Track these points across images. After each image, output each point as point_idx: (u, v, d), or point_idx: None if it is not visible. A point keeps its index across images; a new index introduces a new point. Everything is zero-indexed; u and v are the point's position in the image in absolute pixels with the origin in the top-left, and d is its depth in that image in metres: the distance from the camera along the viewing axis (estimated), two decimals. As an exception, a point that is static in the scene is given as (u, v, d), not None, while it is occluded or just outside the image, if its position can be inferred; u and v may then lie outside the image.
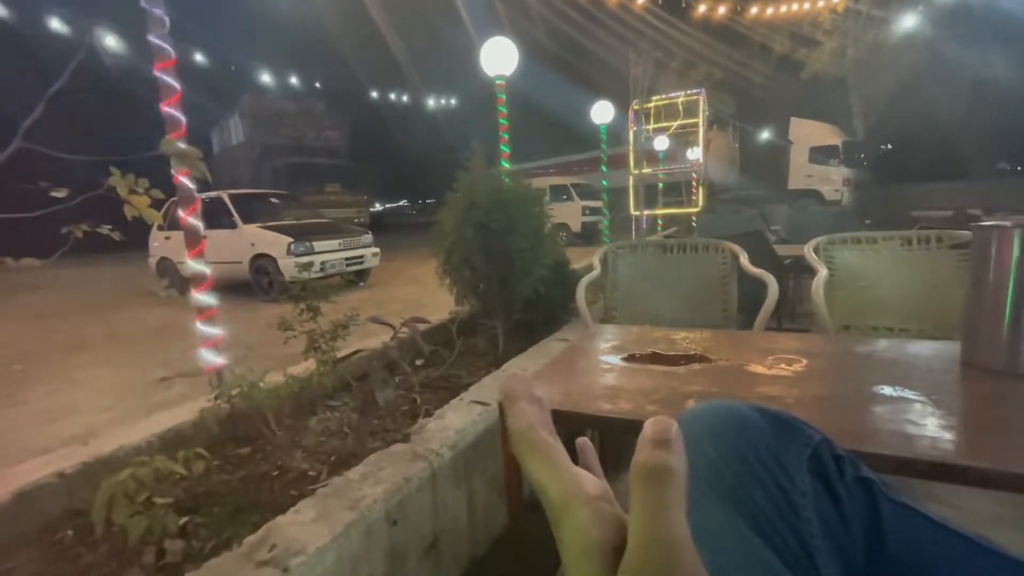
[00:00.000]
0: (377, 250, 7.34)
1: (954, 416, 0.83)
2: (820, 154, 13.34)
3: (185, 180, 2.04)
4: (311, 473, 1.53)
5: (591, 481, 0.25)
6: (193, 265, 2.14)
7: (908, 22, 13.40)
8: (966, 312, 1.05)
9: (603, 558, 0.21)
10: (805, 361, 1.11)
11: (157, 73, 1.94)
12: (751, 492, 0.36)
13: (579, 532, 0.22)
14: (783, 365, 1.09)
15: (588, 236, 12.04)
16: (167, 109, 1.97)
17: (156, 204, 1.69)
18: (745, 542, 0.34)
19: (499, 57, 3.50)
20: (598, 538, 0.22)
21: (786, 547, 0.34)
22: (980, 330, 1.01)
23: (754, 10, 13.99)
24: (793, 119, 14.09)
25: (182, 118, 1.98)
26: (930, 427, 0.78)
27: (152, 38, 1.93)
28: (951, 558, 0.36)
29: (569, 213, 12.39)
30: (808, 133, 13.71)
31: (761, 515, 0.35)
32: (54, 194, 1.24)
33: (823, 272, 1.87)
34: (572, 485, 0.23)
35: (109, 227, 1.34)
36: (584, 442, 0.32)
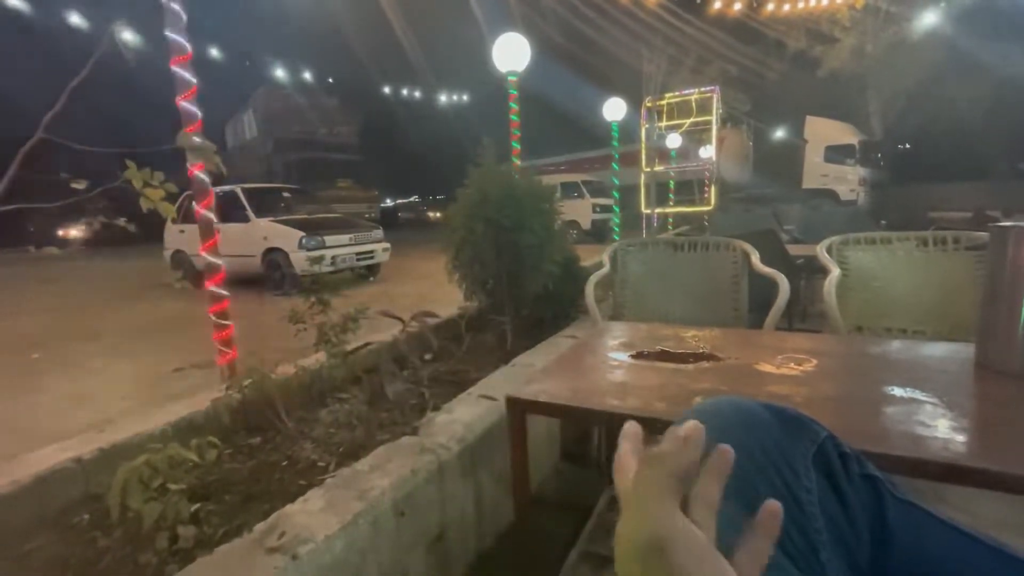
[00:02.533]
0: (387, 245, 7.39)
1: (967, 418, 0.82)
2: (836, 153, 13.13)
3: (200, 174, 2.07)
4: (320, 464, 1.55)
5: None
6: (207, 257, 2.17)
7: (929, 19, 13.13)
8: (982, 314, 1.03)
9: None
10: (815, 361, 1.11)
11: (174, 68, 1.97)
12: (756, 487, 0.36)
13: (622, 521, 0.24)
14: (793, 364, 1.09)
15: (598, 233, 12.01)
16: (183, 103, 2.00)
17: (170, 198, 1.72)
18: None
19: (511, 53, 3.50)
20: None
21: (791, 542, 0.34)
22: (996, 332, 0.99)
23: (771, 6, 13.78)
24: (809, 117, 13.89)
25: (198, 112, 2.00)
26: (942, 429, 0.77)
27: (169, 33, 1.96)
28: (957, 556, 0.36)
29: (579, 210, 12.37)
30: (824, 132, 13.51)
31: None
32: (74, 185, 1.26)
33: (836, 272, 1.85)
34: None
35: (125, 219, 1.37)
36: (629, 426, 0.32)
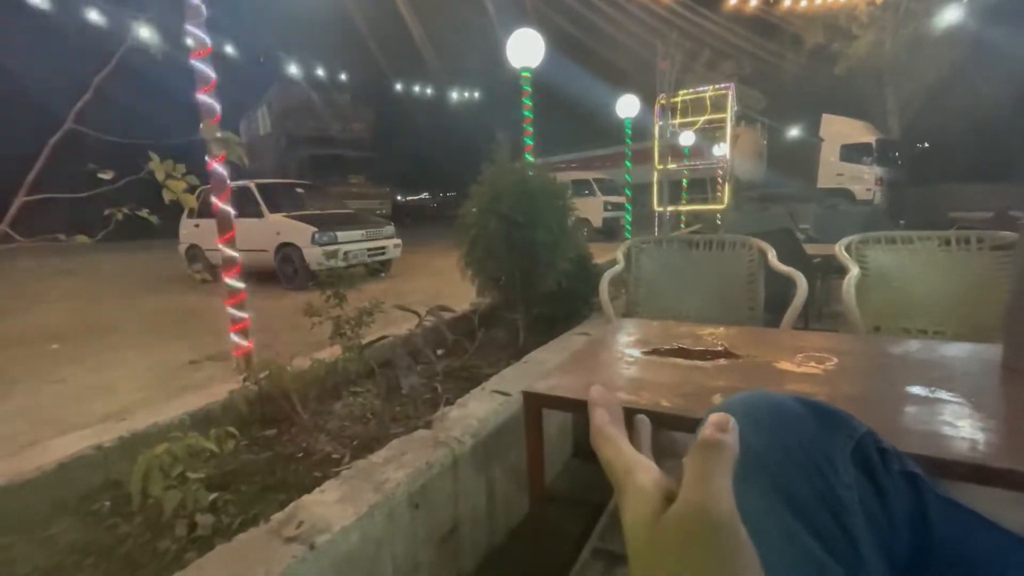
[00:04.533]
0: (399, 241, 7.43)
1: (994, 419, 0.81)
2: (852, 152, 12.93)
3: (218, 167, 2.09)
4: (335, 456, 1.56)
5: (647, 460, 0.32)
6: (224, 250, 2.19)
7: (951, 14, 12.84)
8: (1009, 314, 1.01)
9: (656, 511, 0.27)
10: (836, 360, 1.09)
11: (194, 62, 1.99)
12: (794, 481, 0.36)
13: (638, 492, 0.28)
14: (813, 363, 1.07)
15: (609, 231, 11.96)
16: (202, 97, 2.02)
17: (189, 190, 1.74)
18: (788, 530, 0.34)
19: (525, 49, 3.48)
20: (652, 494, 0.27)
21: (830, 536, 0.34)
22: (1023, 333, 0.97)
23: (787, 2, 13.59)
24: (825, 115, 13.68)
25: (217, 106, 2.02)
26: (969, 429, 0.75)
27: (189, 27, 1.98)
28: (997, 555, 0.35)
29: (590, 208, 12.31)
30: (840, 130, 13.30)
31: (805, 504, 0.35)
32: (101, 176, 1.28)
33: (855, 271, 1.82)
34: (632, 460, 0.30)
35: (148, 211, 1.39)
36: (641, 419, 0.37)
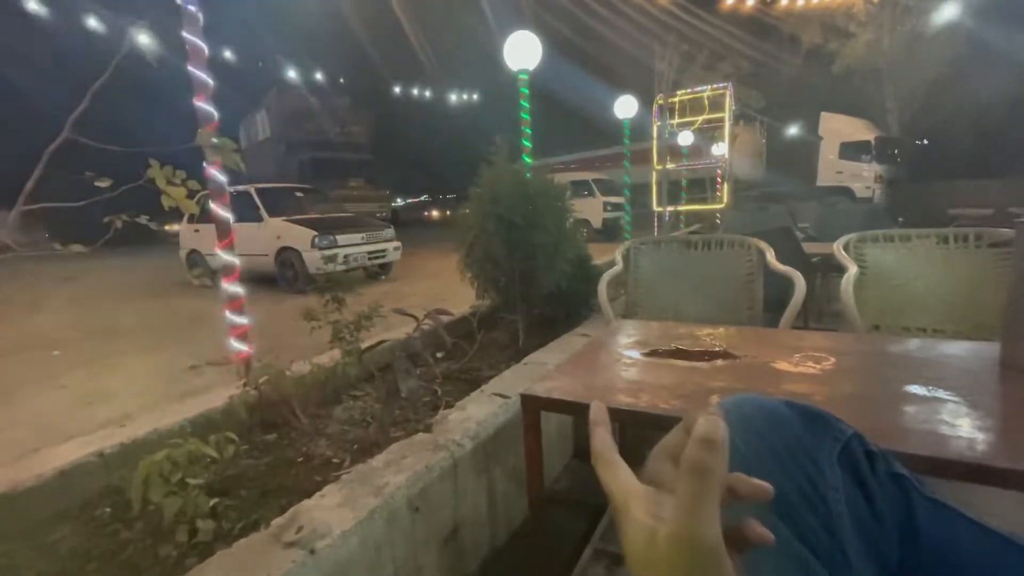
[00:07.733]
0: (399, 244, 7.44)
1: (993, 418, 0.81)
2: (851, 150, 12.94)
3: (216, 173, 2.09)
4: (335, 460, 1.56)
5: (640, 487, 0.32)
6: (223, 256, 2.20)
7: (948, 11, 12.85)
8: (1008, 312, 1.01)
9: (649, 540, 0.28)
10: (834, 359, 1.09)
11: (191, 68, 1.99)
12: (781, 485, 0.36)
13: (633, 522, 0.30)
14: (811, 363, 1.07)
15: (609, 232, 11.97)
16: (200, 103, 2.02)
17: (189, 196, 1.74)
18: (775, 534, 0.34)
19: (522, 51, 3.49)
20: (645, 523, 0.29)
21: (817, 540, 0.34)
22: (1022, 330, 0.97)
23: (784, 1, 13.61)
24: (823, 114, 13.69)
25: (215, 112, 2.02)
26: (966, 428, 0.75)
27: (186, 34, 1.98)
28: (986, 555, 0.35)
29: (590, 209, 12.33)
30: (839, 128, 13.31)
31: (791, 508, 0.35)
32: (98, 184, 1.29)
33: (853, 269, 1.82)
34: (628, 489, 0.31)
35: (147, 217, 1.39)
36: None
